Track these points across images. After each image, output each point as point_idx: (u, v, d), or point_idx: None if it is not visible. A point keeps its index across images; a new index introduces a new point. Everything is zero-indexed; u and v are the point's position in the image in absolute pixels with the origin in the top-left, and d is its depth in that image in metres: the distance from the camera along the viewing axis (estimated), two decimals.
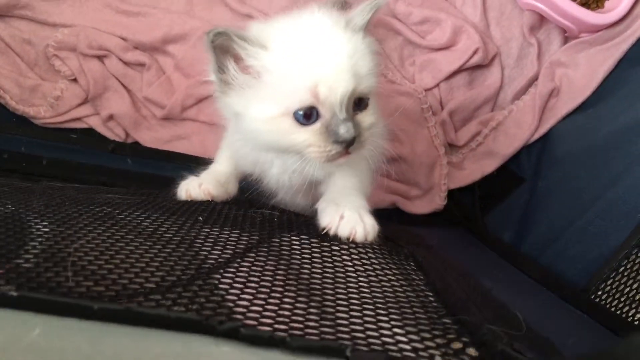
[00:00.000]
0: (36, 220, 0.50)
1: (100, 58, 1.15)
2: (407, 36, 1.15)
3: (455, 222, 1.15)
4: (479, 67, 1.15)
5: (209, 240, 0.52)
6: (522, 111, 1.13)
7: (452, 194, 1.15)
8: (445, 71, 1.14)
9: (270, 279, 0.44)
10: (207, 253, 0.49)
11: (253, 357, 0.31)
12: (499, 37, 1.17)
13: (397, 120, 1.13)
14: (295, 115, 0.60)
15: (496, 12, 1.16)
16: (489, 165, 1.14)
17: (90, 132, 1.16)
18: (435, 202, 1.14)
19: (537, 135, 1.10)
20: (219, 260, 0.48)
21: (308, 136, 0.60)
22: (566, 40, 1.13)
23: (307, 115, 0.60)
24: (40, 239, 0.44)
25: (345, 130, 0.59)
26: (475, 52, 1.12)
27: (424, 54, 1.16)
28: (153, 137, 1.16)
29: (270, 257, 0.51)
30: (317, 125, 0.60)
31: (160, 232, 0.51)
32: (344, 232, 0.59)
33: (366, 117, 0.63)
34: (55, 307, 0.31)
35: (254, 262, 0.48)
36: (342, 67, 0.59)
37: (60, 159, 1.12)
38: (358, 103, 0.63)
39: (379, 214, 0.73)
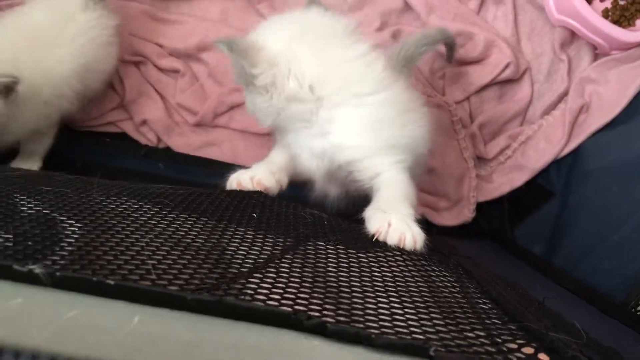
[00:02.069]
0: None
1: (136, 64, 1.16)
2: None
3: (484, 235, 1.16)
4: (509, 81, 1.16)
5: (257, 238, 0.52)
6: (552, 126, 1.14)
7: (480, 206, 1.16)
8: (476, 84, 1.15)
9: (340, 277, 0.45)
10: (259, 250, 0.50)
11: (341, 352, 0.32)
12: (530, 52, 1.18)
13: None
14: None
15: (527, 28, 1.18)
16: (518, 179, 1.15)
17: (122, 136, 1.18)
18: (464, 214, 1.14)
19: (566, 150, 1.10)
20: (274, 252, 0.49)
21: None
22: (597, 57, 1.14)
23: None
24: (111, 232, 0.45)
25: None
26: (506, 67, 1.13)
27: (455, 67, 1.17)
28: (184, 142, 1.17)
29: (329, 258, 0.51)
30: None
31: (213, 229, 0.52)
32: (393, 238, 0.59)
33: None
34: (150, 296, 0.32)
35: (316, 262, 0.49)
36: None
37: (94, 162, 1.13)
38: None
39: None
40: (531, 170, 1.13)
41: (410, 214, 0.64)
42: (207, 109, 1.16)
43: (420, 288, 0.47)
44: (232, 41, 0.68)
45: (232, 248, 0.49)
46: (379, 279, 0.47)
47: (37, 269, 0.32)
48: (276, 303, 0.37)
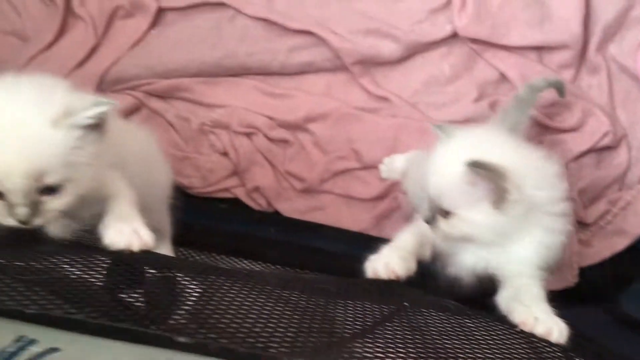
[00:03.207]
0: None
1: (248, 135, 1.27)
2: (534, 117, 1.21)
3: (587, 300, 1.17)
4: (606, 148, 1.19)
5: None
6: None
7: (582, 271, 1.18)
8: (574, 151, 1.18)
9: None
10: None
11: None
12: (625, 119, 1.21)
13: None
14: None
15: (622, 96, 1.21)
16: (619, 244, 1.16)
17: (236, 201, 1.27)
18: (566, 279, 1.16)
19: None
20: None
21: None
22: None
23: None
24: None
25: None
26: (605, 135, 1.16)
27: (552, 134, 1.22)
28: (292, 207, 1.25)
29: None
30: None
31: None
32: (539, 331, 0.65)
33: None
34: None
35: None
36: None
37: (211, 226, 1.22)
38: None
39: None
40: (632, 236, 1.15)
41: (550, 310, 0.70)
42: (314, 175, 1.24)
43: None
44: (485, 163, 0.71)
45: None
46: None
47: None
48: None
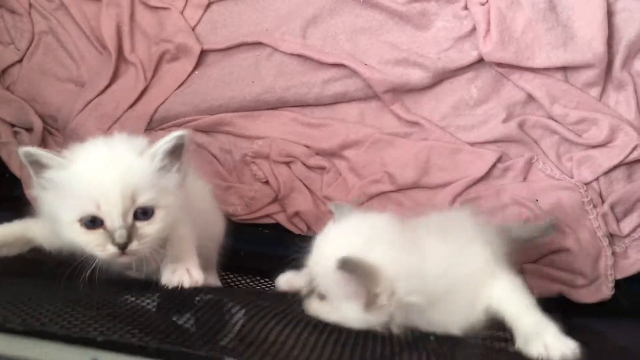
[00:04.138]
0: None
1: (287, 164, 1.34)
2: (563, 134, 1.25)
3: (624, 312, 1.19)
4: (637, 161, 1.21)
5: None
6: None
7: (618, 283, 1.19)
8: (604, 166, 1.21)
9: None
10: None
11: None
12: None
13: (559, 213, 1.22)
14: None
15: None
16: None
17: (277, 226, 1.34)
18: (602, 291, 1.18)
19: None
20: None
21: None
22: None
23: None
24: None
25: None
26: (634, 149, 1.19)
27: (581, 151, 1.25)
28: None
29: None
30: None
31: None
32: (555, 357, 0.70)
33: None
34: None
35: None
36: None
37: (255, 251, 1.30)
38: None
39: (544, 303, 0.82)
40: None
41: (557, 330, 0.73)
42: (350, 199, 1.30)
43: None
44: (356, 263, 0.69)
45: None
46: None
47: None
48: None
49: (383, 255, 0.72)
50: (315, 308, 0.77)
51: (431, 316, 0.75)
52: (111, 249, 0.71)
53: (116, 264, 0.77)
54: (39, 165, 0.72)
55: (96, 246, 0.71)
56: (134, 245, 0.71)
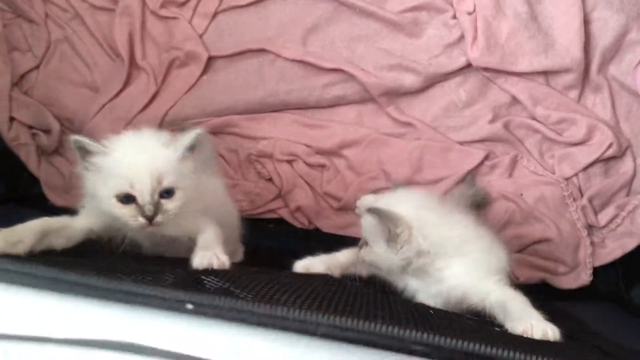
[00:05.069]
0: None
1: (289, 162, 1.44)
2: (545, 134, 1.35)
3: (601, 296, 1.29)
4: (613, 158, 1.32)
5: None
6: None
7: (596, 270, 1.30)
8: (583, 163, 1.32)
9: None
10: None
11: None
12: (629, 131, 1.34)
13: (542, 207, 1.32)
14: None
15: (624, 110, 1.34)
16: (629, 244, 1.28)
17: (280, 221, 1.44)
18: (581, 278, 1.28)
19: None
20: None
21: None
22: None
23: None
24: None
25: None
26: (609, 146, 1.29)
27: (562, 149, 1.35)
28: (331, 224, 1.41)
29: None
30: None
31: None
32: (537, 335, 0.79)
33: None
34: None
35: None
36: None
37: (261, 244, 1.39)
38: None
39: (529, 289, 0.92)
40: None
41: (540, 316, 0.83)
42: (348, 195, 1.40)
43: None
44: (379, 210, 0.91)
45: None
46: None
47: None
48: None
49: (407, 208, 0.93)
50: (362, 253, 0.98)
51: (438, 266, 0.93)
52: (141, 220, 0.86)
53: (144, 234, 0.93)
54: (84, 151, 0.87)
55: (130, 217, 0.86)
56: (159, 218, 0.87)
